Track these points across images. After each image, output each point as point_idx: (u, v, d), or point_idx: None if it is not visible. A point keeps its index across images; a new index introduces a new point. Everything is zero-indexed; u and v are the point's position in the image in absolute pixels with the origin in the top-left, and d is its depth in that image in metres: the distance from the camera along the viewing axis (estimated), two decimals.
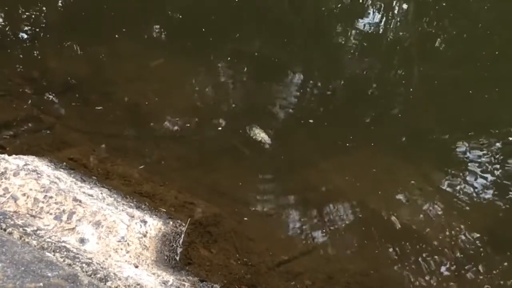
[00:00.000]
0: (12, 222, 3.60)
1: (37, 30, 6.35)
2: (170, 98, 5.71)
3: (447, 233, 4.75)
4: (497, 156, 5.54)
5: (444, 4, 7.84)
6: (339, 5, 7.83)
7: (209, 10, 7.12)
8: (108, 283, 3.36)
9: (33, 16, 6.56)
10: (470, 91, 6.31)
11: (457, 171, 5.34)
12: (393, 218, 4.81)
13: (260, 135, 5.32)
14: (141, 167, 4.84)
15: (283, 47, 6.76)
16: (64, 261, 3.38)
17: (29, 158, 4.29)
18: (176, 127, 5.39)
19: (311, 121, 5.73)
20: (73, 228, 3.77)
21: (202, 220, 4.38)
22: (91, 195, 4.09)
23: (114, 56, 6.15)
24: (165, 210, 4.31)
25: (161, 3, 7.18)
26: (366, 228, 4.75)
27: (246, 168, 5.12)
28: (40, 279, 3.02)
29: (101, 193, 4.19)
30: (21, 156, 4.27)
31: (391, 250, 4.60)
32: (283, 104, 5.88)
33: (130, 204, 4.22)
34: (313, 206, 4.87)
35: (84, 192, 4.08)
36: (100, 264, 3.52)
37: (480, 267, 4.53)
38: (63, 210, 3.84)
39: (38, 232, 3.62)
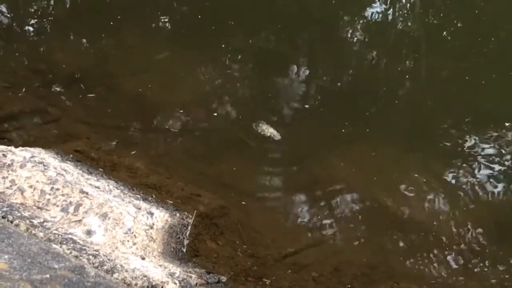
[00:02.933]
0: (19, 214, 3.60)
1: (43, 22, 6.34)
2: (176, 90, 5.70)
3: (454, 225, 4.74)
4: (504, 148, 5.52)
5: None
6: None
7: (214, 2, 7.10)
8: (115, 275, 3.36)
9: (39, 8, 6.56)
10: (477, 83, 6.28)
11: (465, 163, 5.32)
12: (400, 210, 4.80)
13: (269, 130, 5.30)
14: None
15: (288, 39, 6.74)
16: (70, 253, 3.38)
17: (36, 150, 4.29)
18: (182, 119, 5.39)
19: (317, 113, 5.72)
20: (80, 220, 3.77)
21: (209, 212, 4.37)
22: (98, 187, 4.09)
23: (120, 48, 6.14)
24: (171, 202, 4.31)
25: None
26: (372, 220, 4.75)
27: (252, 160, 5.12)
28: (46, 270, 3.02)
29: (108, 185, 4.19)
30: (28, 148, 4.27)
31: (398, 242, 4.59)
32: (289, 96, 5.87)
33: (137, 196, 4.22)
34: (319, 198, 4.86)
35: (90, 184, 4.08)
36: (106, 256, 3.52)
37: (487, 259, 4.52)
38: (70, 202, 3.84)
39: (44, 224, 3.62)
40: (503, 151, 5.49)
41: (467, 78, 6.34)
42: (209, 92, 5.79)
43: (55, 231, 3.57)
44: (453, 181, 5.13)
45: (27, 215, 3.64)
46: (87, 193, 3.92)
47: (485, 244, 4.64)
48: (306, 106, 5.85)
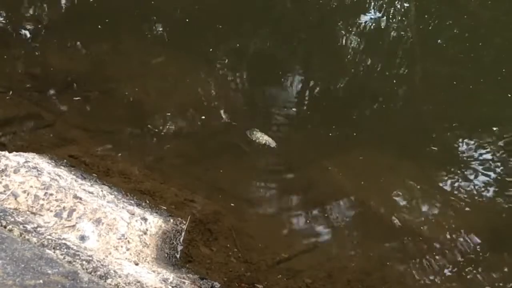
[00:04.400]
0: (12, 219, 3.60)
1: (39, 26, 6.34)
2: (171, 95, 5.70)
3: (449, 232, 4.75)
4: (499, 154, 5.54)
5: (445, 2, 7.83)
6: (341, 3, 7.82)
7: (210, 7, 7.11)
8: (108, 281, 3.36)
9: (35, 12, 6.56)
10: (472, 89, 6.31)
11: (459, 169, 5.33)
12: (394, 216, 4.81)
13: (263, 137, 5.30)
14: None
15: (284, 44, 6.75)
16: (64, 258, 3.38)
17: (30, 155, 4.29)
18: (177, 124, 5.39)
19: (312, 119, 5.73)
20: (74, 226, 3.77)
21: (203, 217, 4.37)
22: (92, 193, 4.09)
23: (115, 53, 6.15)
24: (165, 208, 4.31)
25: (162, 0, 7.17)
26: (367, 226, 4.75)
27: (247, 166, 5.12)
28: (40, 276, 3.02)
29: (102, 191, 4.19)
30: (22, 153, 4.27)
31: (392, 248, 4.59)
32: (283, 102, 5.88)
33: (131, 201, 4.22)
34: (313, 204, 4.86)
35: (84, 190, 4.08)
36: (100, 262, 3.52)
37: (481, 266, 4.53)
38: (64, 207, 3.84)
39: (38, 229, 3.62)
40: (497, 157, 5.51)
41: (461, 84, 6.36)
42: (204, 97, 5.79)
43: (49, 237, 3.57)
44: (448, 187, 5.14)
45: (20, 220, 3.63)
46: (80, 198, 3.92)
47: (480, 251, 4.64)
48: (301, 112, 5.86)
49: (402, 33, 7.32)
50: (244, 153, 5.21)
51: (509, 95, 6.27)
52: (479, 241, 4.69)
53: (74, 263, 3.37)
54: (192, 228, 4.23)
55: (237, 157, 5.18)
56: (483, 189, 5.15)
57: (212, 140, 5.30)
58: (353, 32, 7.10)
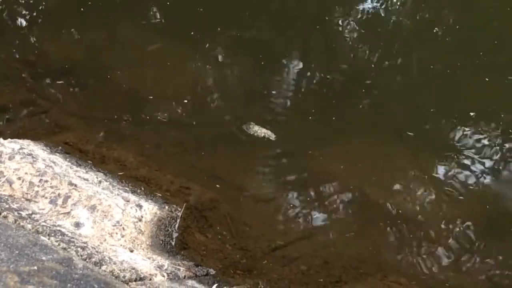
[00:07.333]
0: (7, 206, 3.60)
1: (35, 14, 6.32)
2: (168, 83, 5.69)
3: (444, 219, 4.76)
4: (495, 143, 5.54)
5: None
6: None
7: None
8: (103, 267, 3.36)
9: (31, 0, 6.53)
10: (468, 77, 6.30)
11: (455, 158, 5.33)
12: (390, 204, 4.81)
13: (262, 130, 5.27)
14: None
15: (282, 33, 6.73)
16: (59, 245, 3.38)
17: (25, 142, 4.27)
18: (173, 112, 5.38)
19: (309, 108, 5.72)
20: (68, 212, 3.77)
21: (198, 205, 4.37)
22: (87, 179, 4.08)
23: (112, 40, 6.13)
24: (160, 195, 4.31)
25: None
26: (363, 214, 4.76)
27: (243, 153, 5.12)
28: (34, 262, 3.01)
29: (97, 177, 4.19)
30: (17, 140, 4.25)
31: (388, 236, 4.60)
32: (280, 90, 5.87)
33: (126, 188, 4.22)
34: (310, 192, 4.87)
35: (79, 176, 4.07)
36: (95, 248, 3.52)
37: (477, 254, 4.54)
38: (58, 194, 3.84)
39: (33, 216, 3.62)
40: (494, 146, 5.51)
41: (457, 72, 6.35)
42: (201, 85, 5.79)
43: (44, 223, 3.56)
44: (444, 176, 5.14)
45: (15, 207, 3.63)
46: (75, 185, 3.91)
47: (476, 239, 4.65)
48: (298, 100, 5.85)
49: (399, 21, 7.30)
50: (240, 141, 5.20)
51: (506, 83, 6.26)
52: (474, 228, 4.70)
53: (68, 249, 3.36)
54: (187, 215, 4.23)
55: (234, 145, 5.18)
56: (478, 176, 5.15)
57: (209, 128, 5.29)
58: (350, 21, 7.07)
